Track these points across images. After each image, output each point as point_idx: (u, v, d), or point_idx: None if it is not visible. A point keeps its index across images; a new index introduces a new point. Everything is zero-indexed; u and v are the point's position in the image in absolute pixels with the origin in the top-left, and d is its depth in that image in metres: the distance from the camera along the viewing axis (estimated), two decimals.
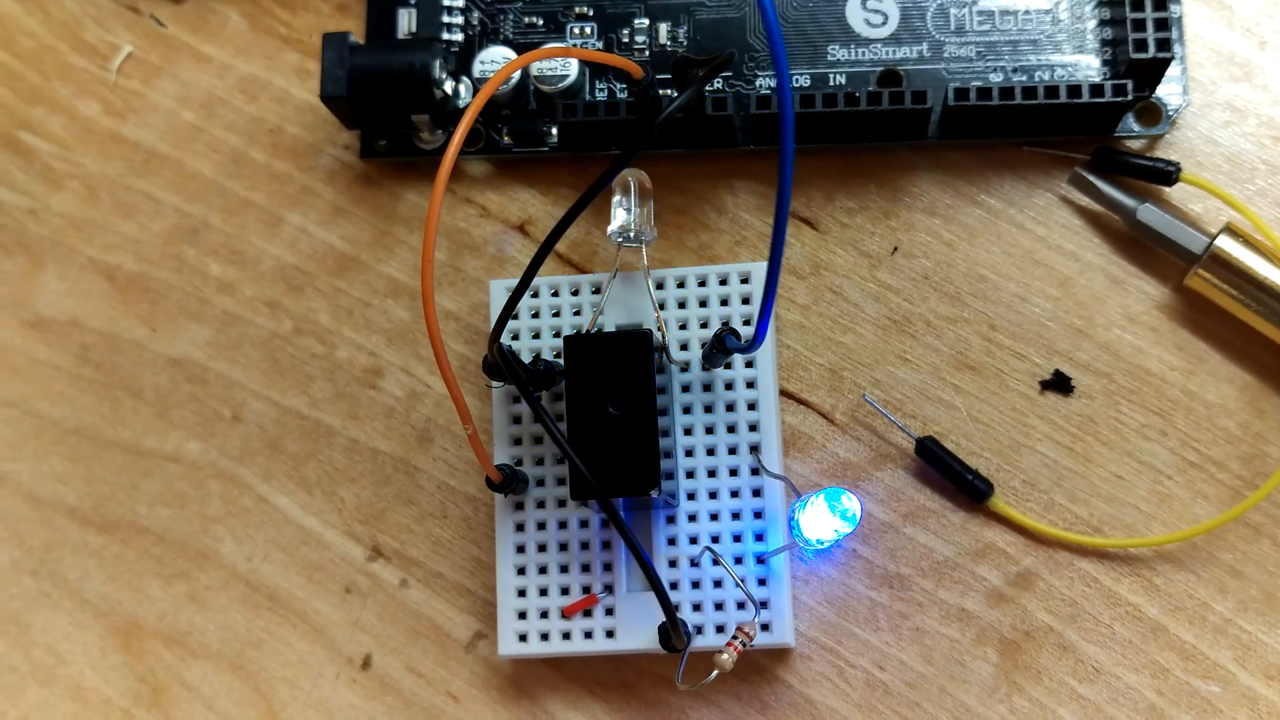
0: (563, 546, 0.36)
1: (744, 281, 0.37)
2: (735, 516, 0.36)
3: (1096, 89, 0.37)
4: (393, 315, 0.40)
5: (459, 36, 0.41)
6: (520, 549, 0.36)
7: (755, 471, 0.36)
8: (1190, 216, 0.38)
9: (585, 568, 0.36)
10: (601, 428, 0.34)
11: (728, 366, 0.37)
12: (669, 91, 0.39)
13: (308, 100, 0.42)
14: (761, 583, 0.35)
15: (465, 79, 0.40)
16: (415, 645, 0.38)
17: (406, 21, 0.41)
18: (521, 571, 0.36)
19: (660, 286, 0.37)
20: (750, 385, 0.37)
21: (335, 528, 0.39)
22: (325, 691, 0.38)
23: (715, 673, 0.33)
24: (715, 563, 0.36)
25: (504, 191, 0.40)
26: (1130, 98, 0.37)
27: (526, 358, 0.37)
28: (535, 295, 0.38)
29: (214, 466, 0.40)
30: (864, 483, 0.37)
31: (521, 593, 0.36)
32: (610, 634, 0.36)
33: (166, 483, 0.40)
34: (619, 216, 0.36)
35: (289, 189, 0.41)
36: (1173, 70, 0.38)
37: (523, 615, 0.36)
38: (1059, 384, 0.38)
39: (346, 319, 0.40)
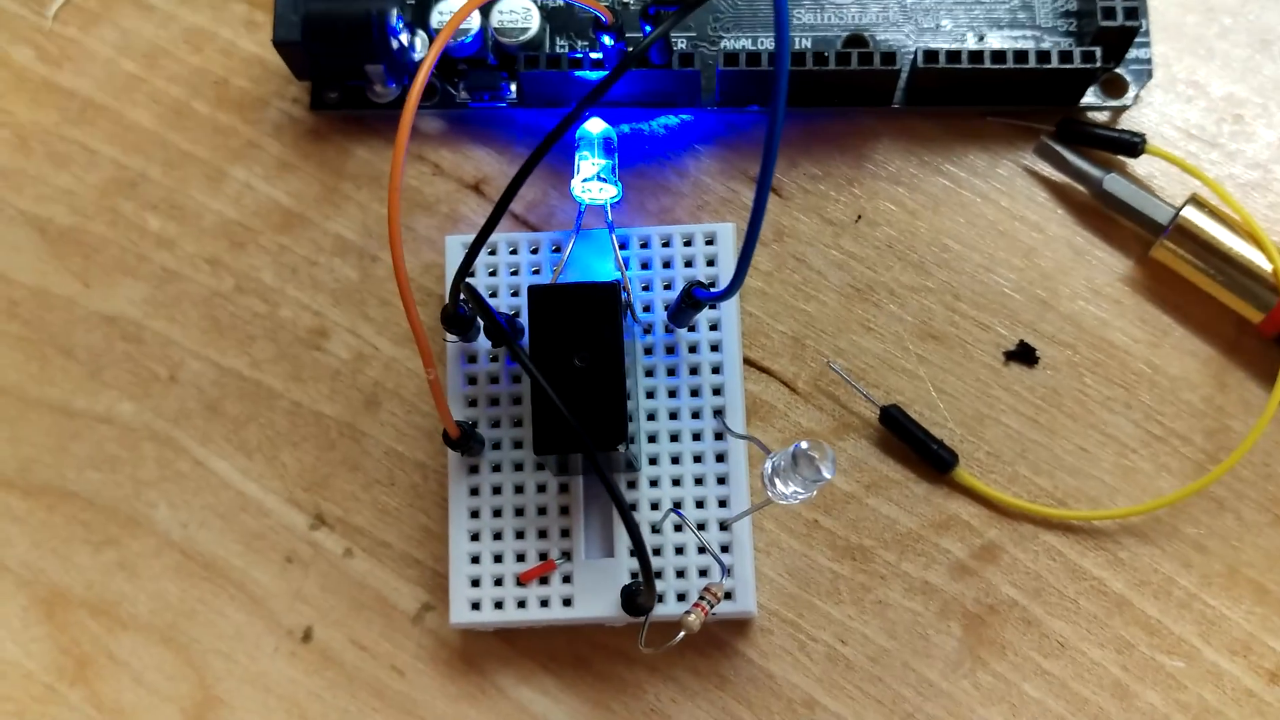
0: (519, 511, 0.35)
1: (709, 243, 0.36)
2: (698, 481, 0.35)
3: (1065, 55, 0.36)
4: (339, 274, 0.38)
5: None
6: (474, 514, 0.35)
7: (719, 436, 0.35)
8: (1155, 188, 0.38)
9: (542, 533, 0.35)
10: (566, 381, 0.32)
11: (691, 329, 0.36)
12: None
13: (255, 53, 0.40)
14: (724, 549, 0.34)
15: (421, 32, 0.39)
16: (359, 617, 0.37)
17: None
18: (475, 537, 0.35)
19: (624, 247, 0.36)
20: (714, 349, 0.36)
21: (276, 494, 0.37)
22: (263, 665, 0.37)
23: (682, 634, 0.32)
24: (678, 529, 0.34)
25: (458, 150, 0.39)
26: (1099, 64, 0.36)
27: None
28: (493, 253, 0.37)
29: (149, 429, 0.38)
30: None
31: (475, 559, 0.35)
32: (568, 602, 0.34)
33: (97, 445, 0.38)
34: (583, 169, 0.35)
35: (233, 142, 0.39)
36: (1138, 43, 0.38)
37: (476, 582, 0.35)
38: (1023, 355, 0.37)
39: (291, 277, 0.39)
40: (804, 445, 0.29)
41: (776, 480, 0.31)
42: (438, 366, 0.34)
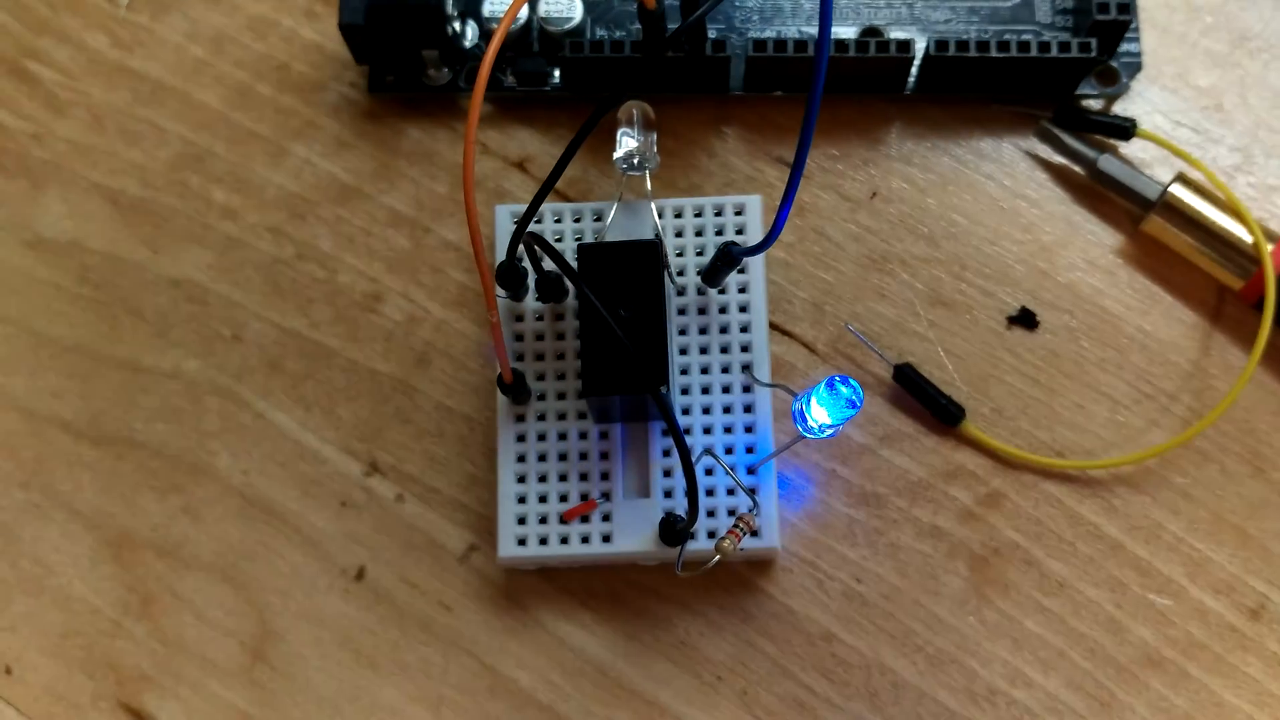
0: (562, 456, 0.38)
1: (738, 213, 0.40)
2: (728, 430, 0.38)
3: (1064, 46, 0.40)
4: (394, 244, 0.42)
5: None
6: (521, 458, 0.38)
7: (746, 389, 0.38)
8: (1145, 169, 0.41)
9: (583, 476, 0.38)
10: (610, 330, 0.35)
11: (723, 290, 0.39)
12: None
13: (315, 39, 0.43)
14: (751, 492, 0.37)
15: (471, 21, 0.42)
16: (409, 557, 0.39)
17: None
18: (522, 479, 0.38)
19: (660, 216, 0.39)
20: (743, 310, 0.39)
21: (332, 444, 0.40)
22: (318, 601, 0.39)
23: (717, 558, 0.35)
24: (709, 472, 0.37)
25: (504, 130, 0.42)
26: (1093, 55, 0.40)
27: (533, 278, 0.38)
28: (539, 221, 0.40)
29: (212, 384, 0.41)
30: None
31: (521, 499, 0.38)
32: (607, 538, 0.37)
33: (164, 399, 0.41)
34: (625, 144, 0.39)
35: (294, 122, 0.43)
36: (1128, 38, 0.41)
37: (522, 520, 0.37)
38: (1024, 320, 0.40)
39: (348, 246, 0.42)
40: (838, 377, 0.32)
41: (807, 414, 0.34)
42: (480, 333, 0.37)
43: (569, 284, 0.38)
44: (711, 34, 0.42)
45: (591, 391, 0.35)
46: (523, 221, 0.35)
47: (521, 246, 0.35)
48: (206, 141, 0.42)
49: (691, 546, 0.37)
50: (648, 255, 0.36)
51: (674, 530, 0.36)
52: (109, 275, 0.42)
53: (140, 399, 0.41)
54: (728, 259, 0.37)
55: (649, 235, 0.39)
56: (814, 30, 0.42)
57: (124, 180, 0.42)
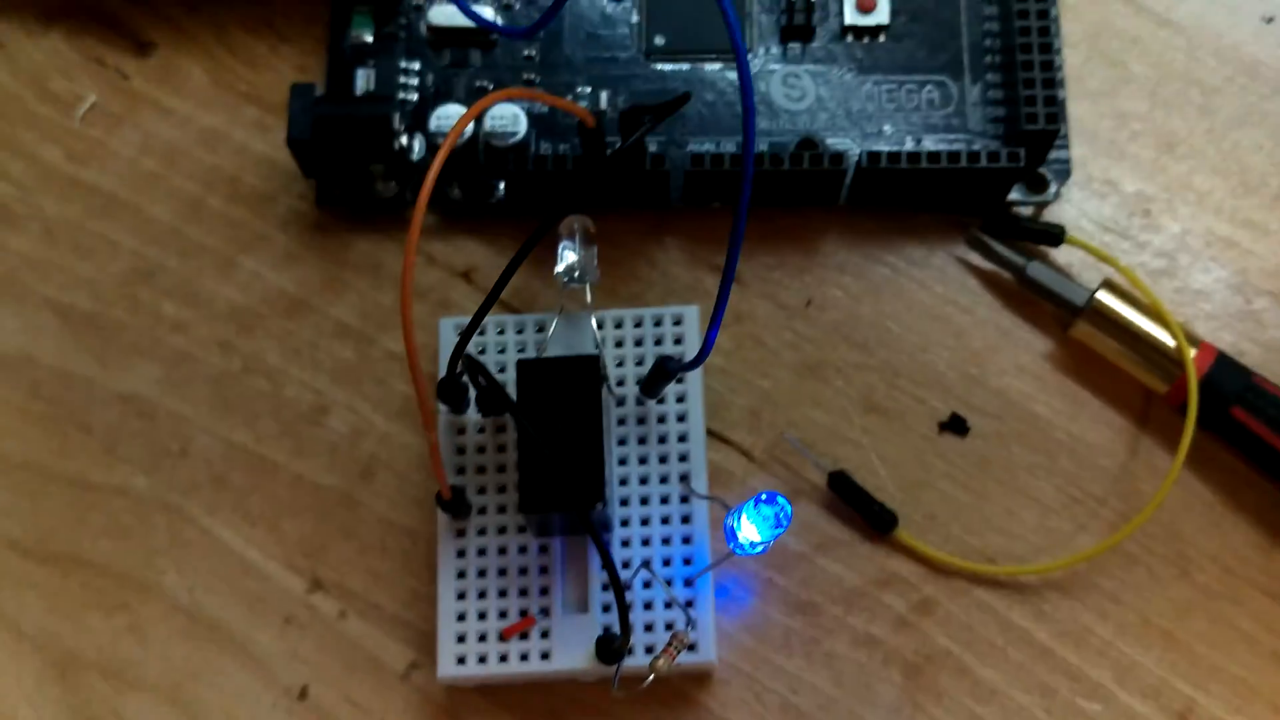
0: (501, 571, 0.39)
1: (676, 323, 0.40)
2: (665, 541, 0.39)
3: (993, 156, 0.41)
4: (339, 356, 0.42)
5: (414, 96, 0.44)
6: (461, 574, 0.39)
7: (684, 500, 0.39)
8: (1074, 274, 0.42)
9: (523, 591, 0.38)
10: (550, 446, 0.36)
11: (660, 400, 0.40)
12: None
13: (266, 152, 0.44)
14: (688, 604, 0.38)
15: (418, 134, 0.43)
16: (352, 675, 0.40)
17: (365, 81, 0.44)
18: (461, 595, 0.38)
19: (600, 327, 0.40)
20: (680, 419, 0.40)
21: (276, 560, 0.41)
22: None
23: (652, 677, 0.35)
24: (646, 585, 0.38)
25: (450, 241, 0.43)
26: (1022, 164, 0.41)
27: (473, 392, 0.39)
28: (482, 333, 0.40)
29: (160, 500, 0.41)
30: None
31: (461, 616, 0.38)
32: (545, 655, 0.38)
33: (112, 516, 0.41)
34: (566, 258, 0.39)
35: (244, 234, 0.43)
36: (1058, 145, 0.43)
37: (461, 638, 0.38)
38: (955, 426, 0.41)
39: (295, 358, 0.42)
40: (763, 495, 0.33)
41: (737, 530, 0.35)
42: (420, 445, 0.38)
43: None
44: (651, 147, 0.42)
45: (528, 509, 0.36)
46: (462, 340, 0.36)
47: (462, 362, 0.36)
48: (158, 255, 0.43)
49: (630, 662, 0.37)
50: (587, 370, 0.37)
51: (610, 648, 0.37)
52: (59, 390, 0.42)
53: (89, 516, 0.41)
54: (664, 373, 0.38)
55: (589, 348, 0.40)
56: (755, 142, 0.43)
57: (75, 294, 0.43)
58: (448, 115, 0.43)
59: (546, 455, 0.35)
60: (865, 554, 0.40)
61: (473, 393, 0.39)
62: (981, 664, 0.39)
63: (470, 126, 0.43)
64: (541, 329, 0.41)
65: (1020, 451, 0.41)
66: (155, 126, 0.45)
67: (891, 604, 0.40)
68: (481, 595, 0.38)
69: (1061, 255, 0.42)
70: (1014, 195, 0.43)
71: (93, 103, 0.45)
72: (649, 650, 0.38)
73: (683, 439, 0.40)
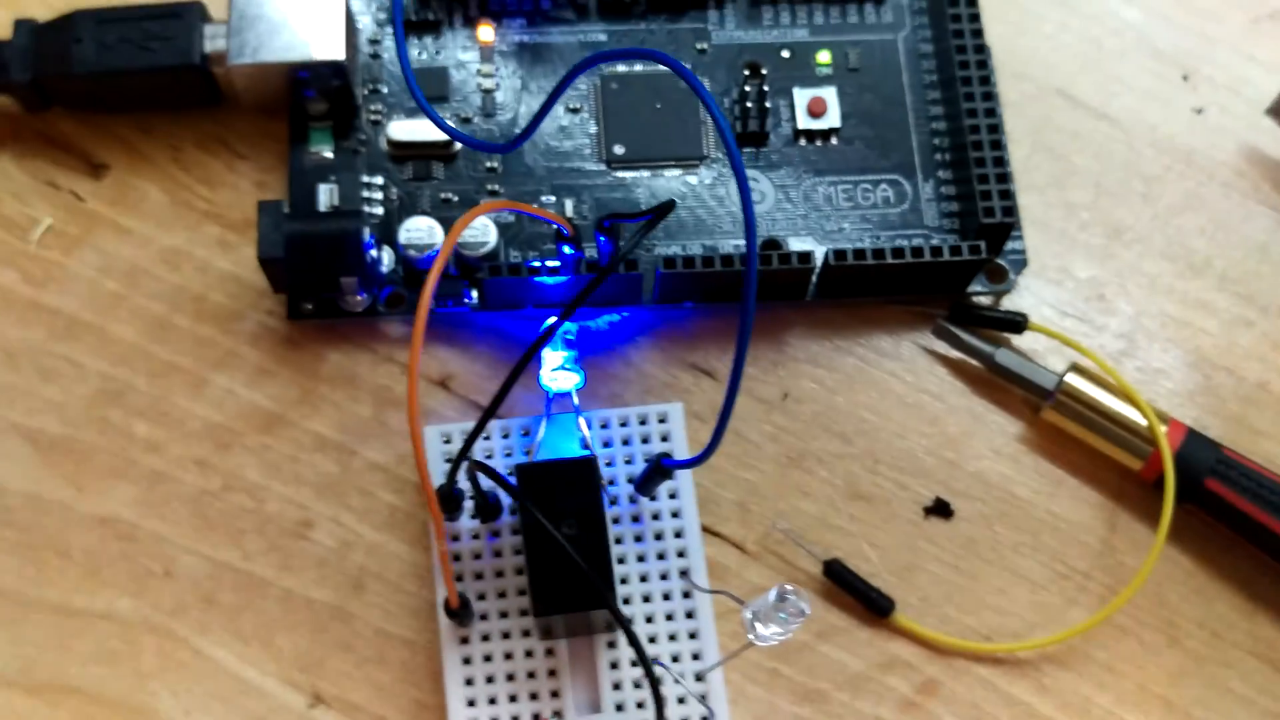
0: (509, 677, 0.38)
1: (661, 421, 0.41)
2: (672, 638, 0.39)
3: (955, 249, 0.42)
4: (320, 469, 0.42)
5: (379, 210, 0.44)
6: (469, 681, 0.38)
7: (686, 595, 0.39)
8: (1040, 359, 0.44)
9: (533, 695, 0.38)
10: (557, 548, 0.36)
11: (653, 499, 0.40)
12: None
13: (230, 269, 0.44)
14: (701, 699, 0.38)
15: (387, 247, 0.43)
16: None
17: (328, 196, 0.44)
18: (472, 703, 0.38)
19: (588, 428, 0.40)
20: (675, 515, 0.40)
21: (274, 677, 0.40)
22: None
23: None
24: (655, 687, 0.38)
25: (425, 350, 0.43)
26: (982, 256, 0.42)
27: (469, 500, 0.39)
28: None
29: (147, 622, 0.40)
30: None
31: None
32: None
33: (99, 641, 0.40)
34: (550, 361, 0.40)
35: (214, 352, 0.43)
36: (1013, 237, 0.45)
37: None
38: (940, 510, 0.42)
39: (275, 474, 0.42)
40: (787, 587, 0.33)
41: (757, 624, 0.35)
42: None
43: (504, 504, 0.39)
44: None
45: (543, 612, 0.36)
46: (465, 447, 0.36)
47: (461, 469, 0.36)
48: (126, 375, 0.42)
49: None
50: (585, 471, 0.37)
51: None
52: (33, 516, 0.41)
53: (73, 643, 0.40)
54: (662, 471, 0.38)
55: (576, 448, 0.40)
56: (721, 244, 0.44)
57: (43, 419, 0.42)
58: (416, 228, 0.43)
59: (559, 552, 0.35)
60: (865, 639, 0.41)
61: (468, 500, 0.39)
62: None
63: (440, 236, 0.43)
64: (527, 432, 0.41)
65: (1004, 531, 0.42)
66: (114, 247, 0.44)
67: (896, 686, 0.40)
68: (492, 701, 0.38)
69: (1026, 341, 0.44)
70: (975, 285, 0.44)
71: (48, 225, 0.44)
72: None
73: (679, 534, 0.40)
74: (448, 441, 0.41)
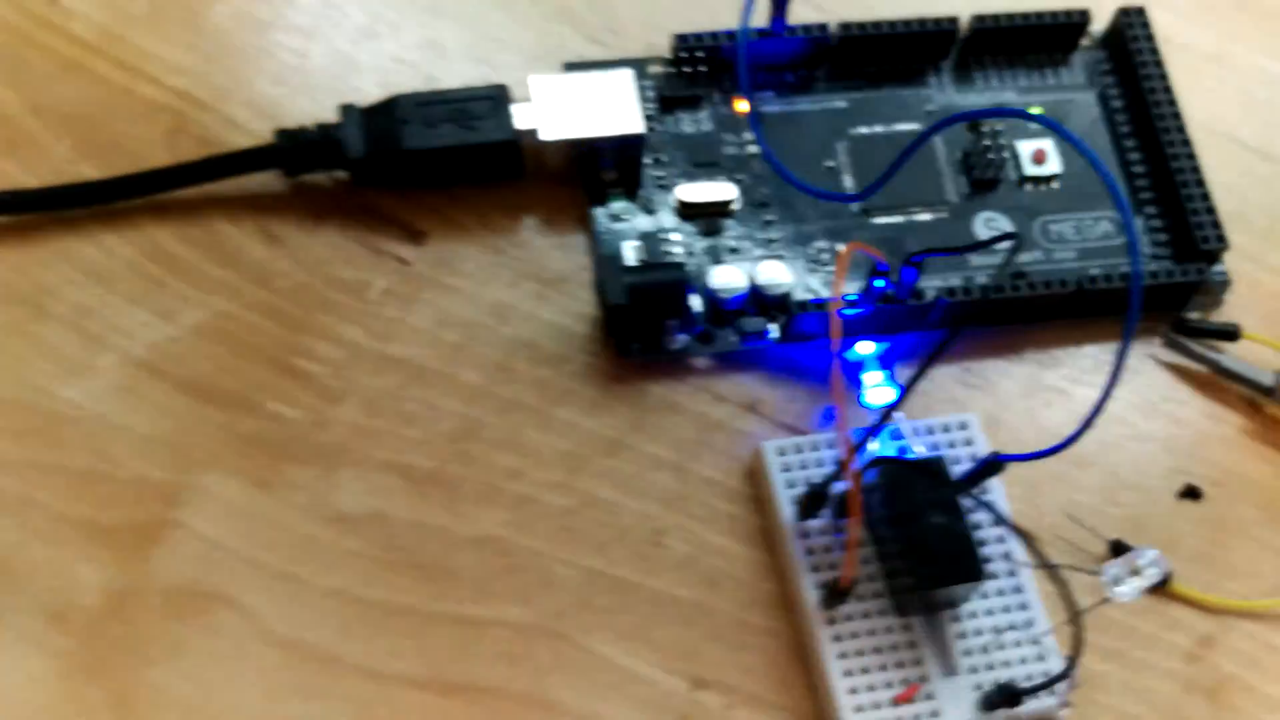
0: (876, 650, 0.44)
1: (962, 428, 0.47)
2: (1005, 610, 0.45)
3: (1185, 271, 0.50)
4: (662, 484, 0.47)
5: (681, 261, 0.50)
6: (843, 655, 0.44)
7: (1011, 574, 0.45)
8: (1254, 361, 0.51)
9: (899, 664, 0.44)
10: (922, 536, 0.42)
11: (979, 493, 0.46)
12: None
13: (552, 319, 0.49)
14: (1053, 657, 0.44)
15: (696, 293, 0.49)
16: None
17: (635, 251, 0.50)
18: (849, 674, 0.43)
19: (899, 438, 0.47)
20: (986, 507, 0.46)
21: (657, 667, 0.45)
22: None
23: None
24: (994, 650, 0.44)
25: (731, 380, 0.49)
26: (1202, 277, 0.50)
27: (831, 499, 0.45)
28: (782, 454, 0.46)
29: (537, 626, 0.45)
30: None
31: (853, 690, 0.43)
32: (935, 715, 0.43)
33: (497, 645, 0.44)
34: (870, 379, 0.46)
35: (552, 390, 0.48)
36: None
37: (859, 709, 0.43)
38: (1191, 494, 0.49)
39: (624, 491, 0.47)
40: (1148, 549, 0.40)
41: (1117, 586, 0.41)
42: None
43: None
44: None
45: (928, 587, 0.42)
46: (859, 445, 0.42)
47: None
48: (478, 414, 0.48)
49: (1008, 712, 0.43)
50: (935, 469, 0.44)
51: (1007, 693, 0.42)
52: (415, 540, 0.46)
53: (475, 648, 0.44)
54: (995, 466, 0.44)
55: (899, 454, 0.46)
56: (974, 275, 0.51)
57: (411, 456, 0.47)
58: (725, 275, 0.49)
59: (939, 537, 0.41)
60: (1146, 605, 0.47)
61: (831, 499, 0.45)
62: (1265, 682, 0.46)
63: (744, 282, 0.49)
64: (831, 446, 0.47)
65: (1247, 509, 0.49)
66: (446, 303, 0.49)
67: (1179, 642, 0.47)
68: (864, 671, 0.44)
69: (1238, 348, 0.51)
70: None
71: (383, 288, 0.49)
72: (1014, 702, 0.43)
73: (997, 523, 0.46)
74: (782, 454, 0.47)
